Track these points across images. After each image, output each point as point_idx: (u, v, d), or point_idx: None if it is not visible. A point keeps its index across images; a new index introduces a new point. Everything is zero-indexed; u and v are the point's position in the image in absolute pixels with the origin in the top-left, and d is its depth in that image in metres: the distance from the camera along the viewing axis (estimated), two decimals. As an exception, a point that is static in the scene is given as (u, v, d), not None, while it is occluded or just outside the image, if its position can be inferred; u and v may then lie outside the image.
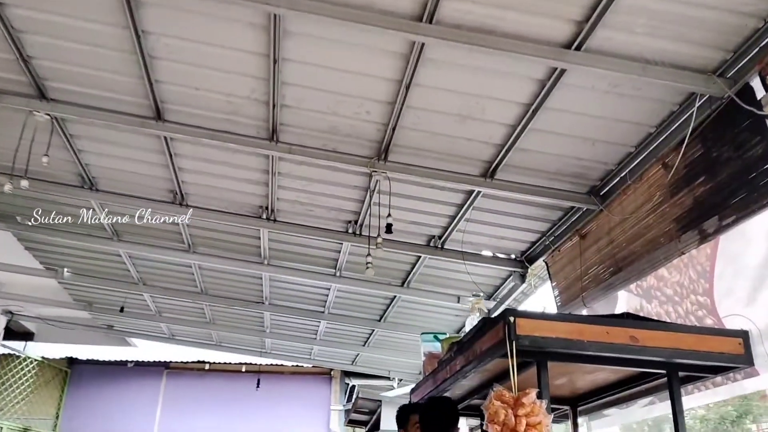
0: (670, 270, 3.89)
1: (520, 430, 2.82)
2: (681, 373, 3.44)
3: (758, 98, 3.06)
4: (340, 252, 6.38)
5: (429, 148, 4.45)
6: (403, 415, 4.38)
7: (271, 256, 6.71)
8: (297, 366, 12.58)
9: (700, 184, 3.49)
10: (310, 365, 12.24)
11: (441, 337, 4.97)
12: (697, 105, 3.43)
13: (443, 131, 4.25)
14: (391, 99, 3.98)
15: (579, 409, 4.59)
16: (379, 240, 4.59)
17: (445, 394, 4.54)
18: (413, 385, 10.15)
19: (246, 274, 7.27)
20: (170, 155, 4.98)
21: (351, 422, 9.47)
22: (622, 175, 4.35)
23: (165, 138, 4.76)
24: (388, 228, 4.48)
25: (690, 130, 3.47)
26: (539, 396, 3.06)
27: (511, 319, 3.10)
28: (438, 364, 4.47)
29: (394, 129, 4.23)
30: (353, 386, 14.34)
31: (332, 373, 12.93)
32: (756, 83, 3.10)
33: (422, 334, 5.12)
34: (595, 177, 4.53)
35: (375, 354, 9.70)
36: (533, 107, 3.85)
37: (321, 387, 13.07)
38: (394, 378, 11.91)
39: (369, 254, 4.71)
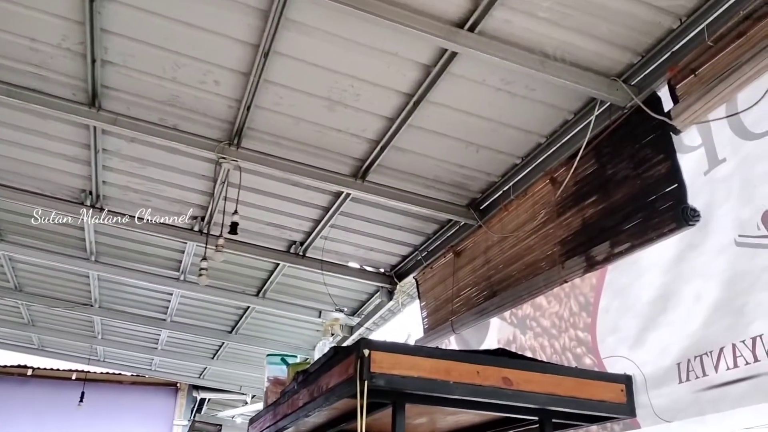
0: (549, 299, 3.47)
1: (362, 500, 2.16)
2: (555, 420, 2.99)
3: (666, 110, 2.67)
4: (184, 253, 5.47)
5: (291, 137, 3.74)
6: None
7: (99, 252, 5.64)
8: (138, 376, 11.25)
9: (591, 204, 3.08)
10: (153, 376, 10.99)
11: (290, 361, 4.24)
12: (596, 113, 3.02)
13: (309, 117, 3.56)
14: (246, 68, 3.23)
15: (438, 449, 4.07)
16: (221, 242, 3.79)
17: (287, 431, 3.83)
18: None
19: (69, 271, 6.09)
20: (-42, 114, 3.88)
21: (189, 446, 8.45)
22: (506, 188, 3.90)
23: (-51, 90, 3.66)
24: (233, 228, 3.70)
25: (585, 142, 3.05)
26: (392, 452, 2.44)
27: (366, 352, 2.45)
28: (280, 395, 3.75)
29: (248, 108, 3.47)
30: (203, 399, 13.16)
31: (179, 384, 11.72)
32: (664, 92, 2.71)
33: (268, 355, 4.35)
34: (476, 189, 4.05)
35: (225, 368, 8.75)
36: (415, 99, 3.27)
37: (165, 399, 11.81)
38: (247, 393, 10.97)
39: (205, 258, 3.90)
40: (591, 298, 3.11)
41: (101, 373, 11.20)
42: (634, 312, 2.81)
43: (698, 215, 2.47)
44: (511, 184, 3.81)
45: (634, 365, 2.79)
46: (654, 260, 2.73)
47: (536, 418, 3.03)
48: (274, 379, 4.26)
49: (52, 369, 11.31)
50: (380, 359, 2.52)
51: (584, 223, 3.09)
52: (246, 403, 11.94)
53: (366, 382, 2.44)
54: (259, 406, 10.06)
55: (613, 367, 2.89)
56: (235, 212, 3.77)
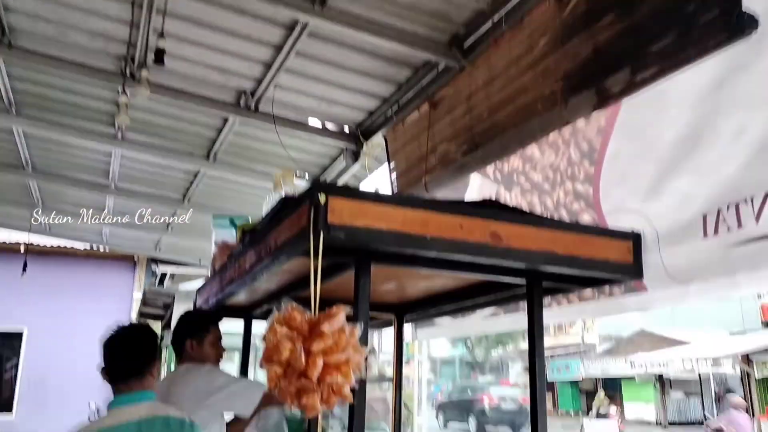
0: (543, 148, 2.94)
1: (311, 375, 1.71)
2: (545, 284, 2.57)
3: None
4: (118, 104, 4.72)
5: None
6: (196, 324, 3.07)
7: (18, 103, 4.85)
8: (92, 249, 10.75)
9: (607, 26, 2.45)
10: (107, 248, 10.50)
11: (238, 221, 3.72)
12: None
13: None
14: None
15: (406, 317, 3.70)
16: (145, 74, 3.10)
17: (236, 299, 3.38)
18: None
19: (-12, 126, 5.33)
20: None
21: (142, 315, 8.13)
22: (496, 20, 3.24)
23: None
24: (159, 55, 3.00)
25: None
26: (352, 318, 1.97)
27: (322, 198, 1.91)
28: (227, 259, 3.27)
29: None
30: (164, 274, 12.84)
31: (136, 258, 11.29)
32: None
33: (215, 217, 3.83)
34: (460, 19, 3.36)
35: (181, 239, 8.27)
36: None
37: (122, 274, 11.41)
38: (208, 266, 10.63)
39: (124, 91, 3.22)
40: (597, 143, 2.59)
41: (52, 246, 10.66)
42: (652, 156, 2.30)
43: (756, 23, 1.89)
44: (503, 11, 3.14)
45: (646, 220, 2.32)
46: (684, 90, 2.18)
47: (523, 281, 2.62)
48: (222, 243, 3.75)
49: (-3, 241, 10.72)
50: (340, 207, 1.97)
51: (596, 50, 2.48)
52: (207, 276, 11.67)
53: (321, 235, 1.92)
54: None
55: (617, 223, 2.43)
56: (161, 35, 3.04)
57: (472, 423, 21.47)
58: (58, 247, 10.62)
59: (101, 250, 10.80)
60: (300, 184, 3.33)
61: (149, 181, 6.36)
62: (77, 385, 9.32)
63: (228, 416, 2.91)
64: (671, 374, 23.15)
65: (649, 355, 21.62)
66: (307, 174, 5.73)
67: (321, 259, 1.82)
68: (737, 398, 12.90)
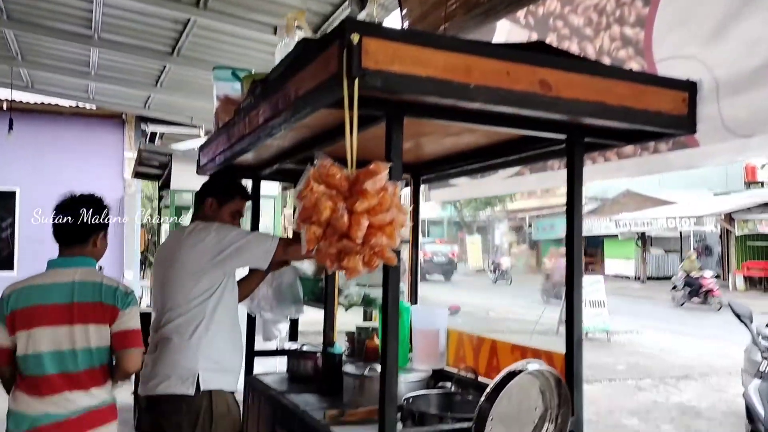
0: (586, -12, 2.61)
1: (355, 237, 1.57)
2: (586, 139, 2.38)
3: None
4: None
5: None
6: (226, 185, 2.96)
7: (-19, -64, 4.32)
8: (78, 107, 10.31)
9: None
10: (94, 106, 10.07)
11: (241, 74, 3.43)
12: None
13: None
14: None
15: (422, 177, 3.54)
16: None
17: (244, 157, 3.18)
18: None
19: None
20: None
21: (138, 175, 7.95)
22: None
23: None
24: None
25: None
26: (392, 176, 1.80)
27: (355, 38, 1.66)
28: (234, 114, 3.02)
29: None
30: (154, 133, 12.51)
31: (125, 116, 10.87)
32: None
33: (215, 68, 3.52)
34: None
35: (171, 96, 7.90)
36: None
37: (111, 132, 11.03)
38: (200, 126, 10.29)
39: None
40: (655, -21, 2.28)
41: (36, 104, 10.19)
42: (719, -5, 2.03)
43: None
44: None
45: (705, 67, 2.09)
46: None
47: (563, 137, 2.43)
48: (224, 97, 3.47)
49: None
50: (375, 50, 1.72)
51: None
52: (200, 136, 11.37)
53: (356, 81, 1.70)
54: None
55: (669, 72, 2.20)
56: None
57: (412, 273, 24.25)
58: (42, 104, 10.15)
59: (87, 107, 10.36)
60: (300, 34, 3.00)
61: (135, 31, 5.88)
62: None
63: (239, 275, 2.83)
64: (653, 233, 23.92)
65: (634, 215, 22.15)
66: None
67: (355, 111, 1.62)
68: (562, 249, 16.45)
